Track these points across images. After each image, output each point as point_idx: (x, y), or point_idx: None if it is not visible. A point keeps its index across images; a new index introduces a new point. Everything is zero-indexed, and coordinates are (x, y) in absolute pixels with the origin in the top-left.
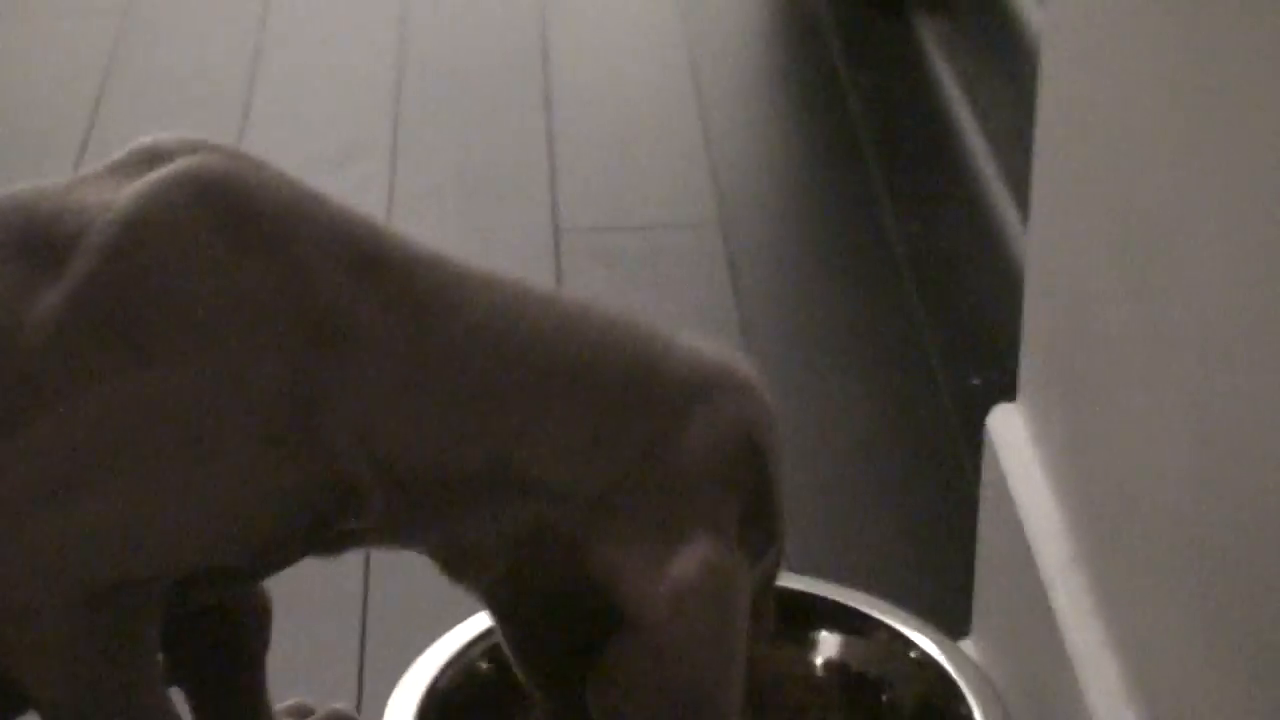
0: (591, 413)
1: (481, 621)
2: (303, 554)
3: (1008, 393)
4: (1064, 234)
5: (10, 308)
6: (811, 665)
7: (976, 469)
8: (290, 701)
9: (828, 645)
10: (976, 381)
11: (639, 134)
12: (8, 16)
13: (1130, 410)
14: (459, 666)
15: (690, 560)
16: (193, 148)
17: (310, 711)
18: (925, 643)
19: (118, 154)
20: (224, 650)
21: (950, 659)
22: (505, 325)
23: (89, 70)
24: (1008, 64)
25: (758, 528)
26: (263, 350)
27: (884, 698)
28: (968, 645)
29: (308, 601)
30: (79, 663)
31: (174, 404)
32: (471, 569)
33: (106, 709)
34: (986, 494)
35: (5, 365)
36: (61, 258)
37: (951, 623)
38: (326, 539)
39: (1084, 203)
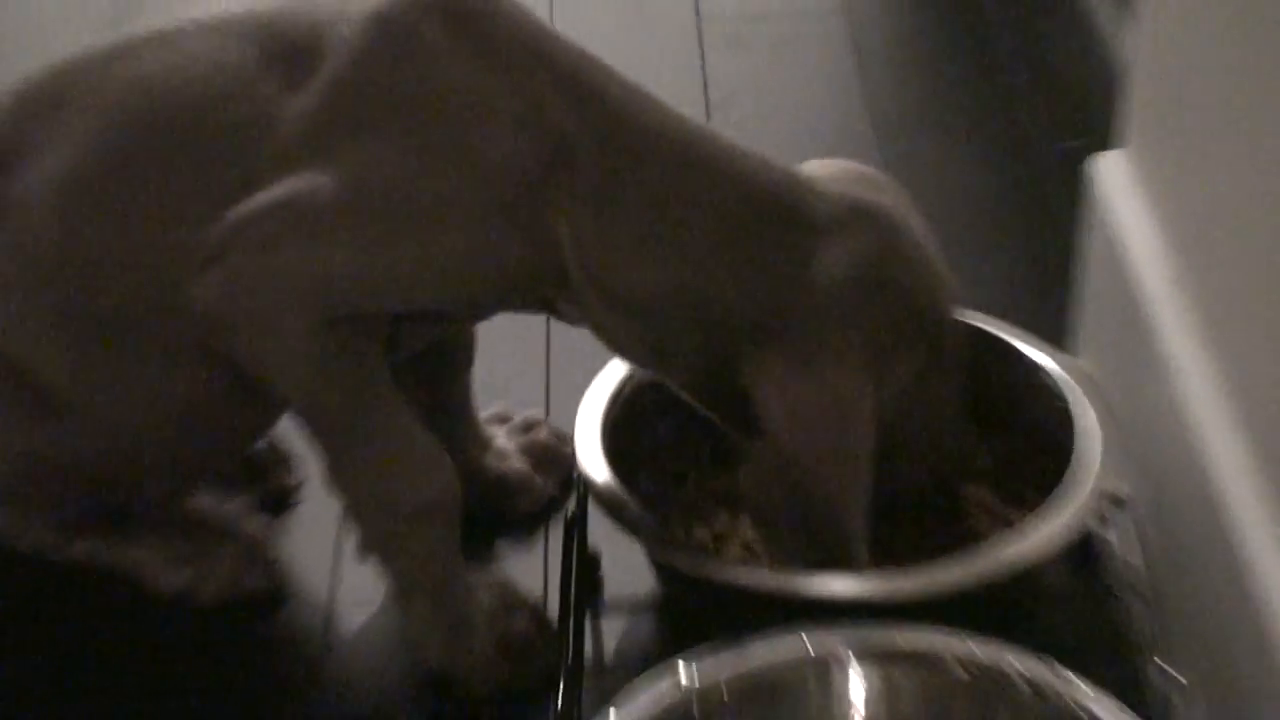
0: (748, 249)
1: None
2: (510, 309)
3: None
4: None
5: (270, 104)
6: None
7: (1074, 216)
8: (493, 409)
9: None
10: (1074, 144)
11: None
12: None
13: (1238, 145)
14: (638, 378)
15: (811, 383)
16: None
17: (509, 417)
18: (1036, 354)
19: None
20: (437, 365)
21: (1058, 363)
22: (689, 169)
23: None
24: None
25: (902, 349)
26: (502, 147)
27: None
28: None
29: (499, 330)
30: (319, 368)
31: (419, 178)
32: (658, 365)
33: (344, 403)
34: (1090, 232)
35: (263, 151)
36: (312, 64)
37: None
38: (532, 303)
39: None
